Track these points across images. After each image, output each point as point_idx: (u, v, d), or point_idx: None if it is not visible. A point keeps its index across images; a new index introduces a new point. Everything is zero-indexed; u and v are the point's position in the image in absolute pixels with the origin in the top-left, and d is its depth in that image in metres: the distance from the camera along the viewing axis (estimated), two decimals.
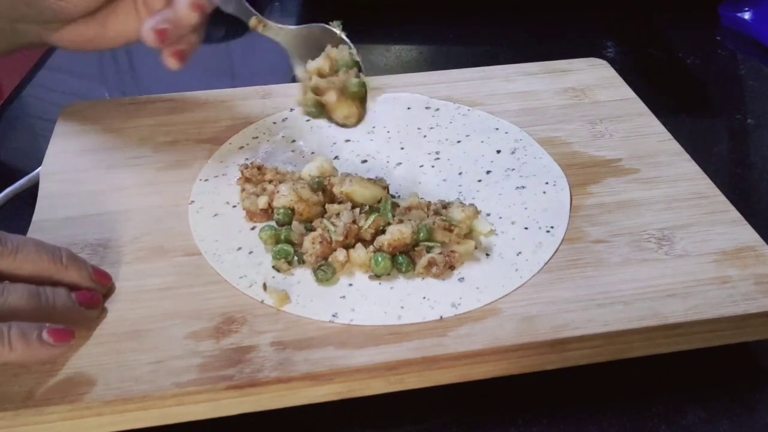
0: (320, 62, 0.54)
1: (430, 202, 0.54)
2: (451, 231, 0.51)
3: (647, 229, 0.54)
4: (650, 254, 0.52)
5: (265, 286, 0.49)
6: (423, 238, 0.51)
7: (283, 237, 0.52)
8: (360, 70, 0.54)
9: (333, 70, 0.54)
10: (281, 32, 0.57)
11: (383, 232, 0.51)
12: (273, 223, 0.53)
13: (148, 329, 0.46)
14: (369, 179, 0.55)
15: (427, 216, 0.53)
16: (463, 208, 0.53)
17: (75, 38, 0.59)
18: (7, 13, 0.58)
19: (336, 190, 0.54)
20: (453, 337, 0.46)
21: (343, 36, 0.55)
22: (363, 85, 0.54)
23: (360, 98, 0.54)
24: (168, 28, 0.55)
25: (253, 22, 0.57)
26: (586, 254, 0.52)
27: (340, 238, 0.51)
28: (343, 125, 0.55)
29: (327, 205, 0.53)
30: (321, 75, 0.54)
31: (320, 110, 0.55)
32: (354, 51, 0.55)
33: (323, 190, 0.54)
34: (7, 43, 0.60)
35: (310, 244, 0.50)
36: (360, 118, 0.55)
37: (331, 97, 0.53)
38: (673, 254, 0.52)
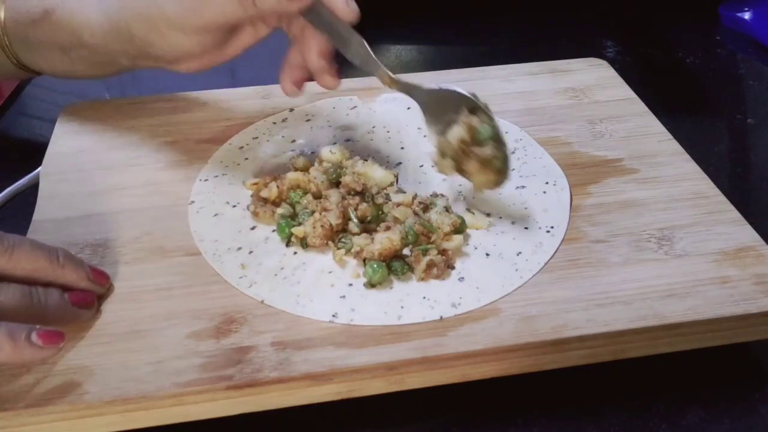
0: (461, 132, 0.53)
1: (415, 194, 0.55)
2: (428, 237, 0.51)
3: (647, 229, 0.54)
4: (650, 254, 0.52)
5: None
6: (411, 241, 0.51)
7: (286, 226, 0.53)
8: (500, 142, 0.53)
9: (473, 138, 0.52)
10: (414, 90, 0.55)
11: (370, 222, 0.53)
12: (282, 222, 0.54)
13: (148, 329, 0.46)
14: (380, 166, 0.57)
15: (413, 213, 0.53)
16: (445, 216, 0.53)
17: (194, 68, 0.59)
18: (129, 55, 0.58)
19: (348, 170, 0.55)
20: (453, 337, 0.46)
21: (482, 104, 0.53)
22: (506, 159, 0.53)
23: (500, 169, 0.53)
24: (304, 77, 0.57)
25: (383, 78, 0.55)
26: (586, 254, 0.52)
27: (339, 221, 0.52)
28: (477, 189, 0.55)
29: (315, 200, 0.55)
30: (463, 143, 0.53)
31: (455, 170, 0.54)
32: (494, 121, 0.53)
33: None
34: (121, 68, 0.62)
35: (312, 228, 0.51)
36: (498, 185, 0.53)
37: (472, 167, 0.53)
38: (673, 254, 0.52)
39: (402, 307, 0.48)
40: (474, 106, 0.53)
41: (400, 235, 0.50)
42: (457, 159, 0.53)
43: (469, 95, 0.54)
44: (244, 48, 0.59)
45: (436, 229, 0.51)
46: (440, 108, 0.54)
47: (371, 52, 0.54)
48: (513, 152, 0.61)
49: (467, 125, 0.53)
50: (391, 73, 0.55)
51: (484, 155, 0.52)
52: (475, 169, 0.53)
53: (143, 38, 0.56)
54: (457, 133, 0.53)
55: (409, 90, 0.56)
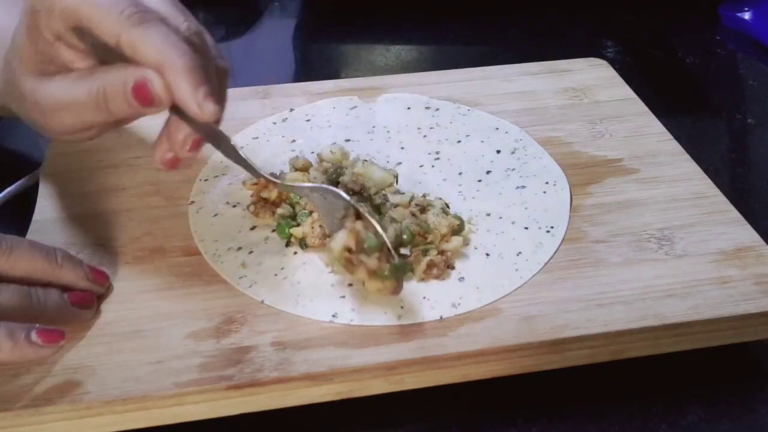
0: (345, 239, 0.46)
1: (412, 196, 0.55)
2: (424, 238, 0.51)
3: (647, 229, 0.54)
4: (650, 254, 0.52)
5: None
6: (407, 241, 0.51)
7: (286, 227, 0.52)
8: (389, 250, 0.46)
9: (360, 246, 0.46)
10: (297, 189, 0.51)
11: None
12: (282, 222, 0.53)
13: (148, 329, 0.46)
14: (380, 166, 0.56)
15: (410, 215, 0.53)
16: (442, 217, 0.52)
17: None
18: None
19: (348, 171, 0.55)
20: (453, 337, 0.46)
21: (365, 211, 0.47)
22: (396, 269, 0.47)
23: (389, 278, 0.47)
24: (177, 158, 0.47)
25: (260, 180, 0.52)
26: (586, 254, 0.52)
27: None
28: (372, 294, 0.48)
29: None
30: (348, 250, 0.46)
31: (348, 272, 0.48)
32: (378, 228, 0.46)
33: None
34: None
35: (310, 229, 0.51)
36: (395, 291, 0.47)
37: (362, 275, 0.47)
38: (673, 254, 0.52)
39: (402, 307, 0.48)
40: (360, 213, 0.47)
41: (396, 236, 0.50)
42: (345, 265, 0.47)
43: (350, 201, 0.47)
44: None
45: (432, 230, 0.51)
46: (330, 206, 0.48)
47: (241, 153, 0.48)
48: (513, 152, 0.61)
49: (353, 231, 0.46)
50: (267, 175, 0.49)
51: (369, 265, 0.46)
52: (365, 276, 0.47)
53: (29, 123, 0.49)
54: (341, 240, 0.46)
55: (290, 189, 0.52)
